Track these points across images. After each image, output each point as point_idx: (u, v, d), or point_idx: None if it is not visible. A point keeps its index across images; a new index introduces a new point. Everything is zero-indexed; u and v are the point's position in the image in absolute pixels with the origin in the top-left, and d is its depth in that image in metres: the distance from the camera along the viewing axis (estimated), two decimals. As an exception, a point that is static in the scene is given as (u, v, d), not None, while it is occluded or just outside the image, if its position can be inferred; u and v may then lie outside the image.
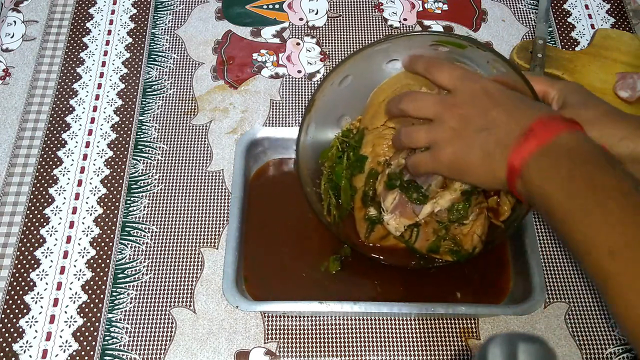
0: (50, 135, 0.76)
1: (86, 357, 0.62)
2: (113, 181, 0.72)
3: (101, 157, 0.74)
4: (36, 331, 0.63)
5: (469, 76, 0.51)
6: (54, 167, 0.73)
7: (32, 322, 0.63)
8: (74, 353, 0.62)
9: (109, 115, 0.77)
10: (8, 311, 0.64)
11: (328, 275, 0.65)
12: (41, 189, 0.72)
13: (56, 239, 0.68)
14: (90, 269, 0.67)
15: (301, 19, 0.87)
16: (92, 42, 0.84)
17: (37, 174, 0.73)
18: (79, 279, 0.66)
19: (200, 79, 0.81)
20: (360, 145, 0.63)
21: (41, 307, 0.64)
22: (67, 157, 0.74)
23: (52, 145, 0.75)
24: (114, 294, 0.65)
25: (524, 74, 0.53)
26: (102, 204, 0.71)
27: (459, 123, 0.49)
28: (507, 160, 0.46)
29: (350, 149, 0.63)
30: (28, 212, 0.70)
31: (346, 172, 0.63)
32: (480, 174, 0.48)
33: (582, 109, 0.51)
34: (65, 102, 0.78)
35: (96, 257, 0.67)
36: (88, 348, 0.62)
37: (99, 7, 0.87)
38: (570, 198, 0.42)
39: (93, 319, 0.64)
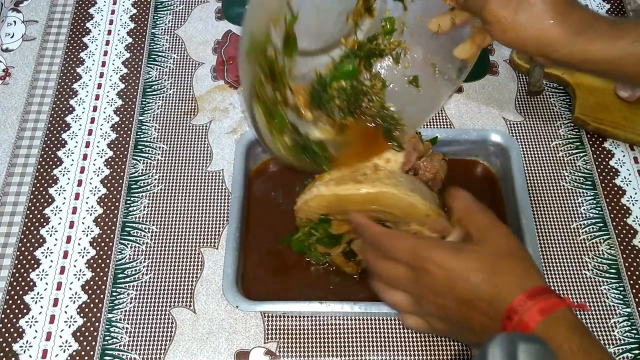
0: (50, 135, 0.76)
1: (86, 357, 0.62)
2: (113, 181, 0.72)
3: (101, 157, 0.74)
4: (36, 331, 0.63)
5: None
6: (54, 167, 0.73)
7: (32, 322, 0.63)
8: (74, 353, 0.62)
9: (109, 115, 0.77)
10: (8, 311, 0.64)
11: (328, 275, 0.65)
12: (41, 189, 0.72)
13: (56, 239, 0.68)
14: (90, 269, 0.67)
15: None
16: (92, 42, 0.84)
17: (37, 174, 0.73)
18: (79, 279, 0.66)
19: (200, 79, 0.81)
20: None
21: (41, 307, 0.64)
22: (67, 157, 0.74)
23: (52, 145, 0.75)
24: (114, 294, 0.65)
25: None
26: (102, 204, 0.71)
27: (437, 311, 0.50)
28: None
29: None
30: (28, 212, 0.70)
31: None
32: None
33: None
34: (65, 102, 0.78)
35: (96, 257, 0.67)
36: (88, 348, 0.62)
37: (99, 7, 0.87)
38: None
39: (93, 319, 0.64)
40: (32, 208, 0.70)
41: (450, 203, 0.54)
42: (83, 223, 0.69)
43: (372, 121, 0.60)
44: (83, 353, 0.62)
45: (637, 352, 0.62)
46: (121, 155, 0.74)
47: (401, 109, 0.61)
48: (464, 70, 0.58)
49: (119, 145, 0.75)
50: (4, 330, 0.63)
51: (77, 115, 0.77)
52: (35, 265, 0.67)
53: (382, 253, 0.53)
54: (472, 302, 0.47)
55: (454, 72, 0.58)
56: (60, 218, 0.70)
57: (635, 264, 0.67)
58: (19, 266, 0.67)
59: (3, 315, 0.64)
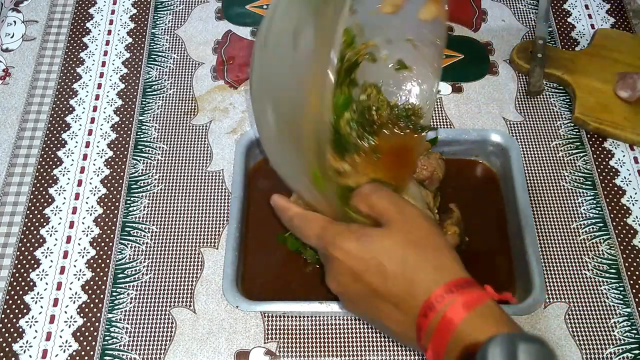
0: (50, 135, 0.76)
1: (86, 357, 0.62)
2: (113, 181, 0.72)
3: (101, 157, 0.74)
4: (36, 331, 0.63)
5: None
6: (54, 167, 0.73)
7: (32, 322, 0.63)
8: (74, 353, 0.62)
9: (109, 115, 0.77)
10: (8, 311, 0.64)
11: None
12: (41, 189, 0.72)
13: (56, 239, 0.68)
14: (90, 269, 0.67)
15: None
16: (92, 42, 0.84)
17: (37, 174, 0.73)
18: (79, 279, 0.66)
19: (200, 79, 0.81)
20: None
21: (41, 307, 0.64)
22: (67, 157, 0.74)
23: (52, 145, 0.75)
24: (114, 294, 0.65)
25: None
26: (102, 204, 0.71)
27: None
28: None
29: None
30: (28, 212, 0.70)
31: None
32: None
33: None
34: (65, 102, 0.78)
35: (96, 257, 0.67)
36: (88, 348, 0.62)
37: (99, 7, 0.87)
38: None
39: (93, 319, 0.64)
40: (32, 208, 0.70)
41: (356, 198, 0.51)
42: (83, 223, 0.69)
43: (394, 129, 0.58)
44: (83, 353, 0.62)
45: (637, 352, 0.62)
46: (121, 155, 0.74)
47: (409, 93, 0.60)
48: (440, 27, 0.56)
49: (119, 145, 0.75)
50: (4, 330, 0.63)
51: (77, 115, 0.77)
52: (35, 265, 0.67)
53: (298, 235, 0.52)
54: (382, 295, 0.45)
55: (433, 33, 0.57)
56: (60, 218, 0.70)
57: (635, 264, 0.67)
58: (19, 266, 0.67)
59: (3, 315, 0.64)
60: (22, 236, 0.69)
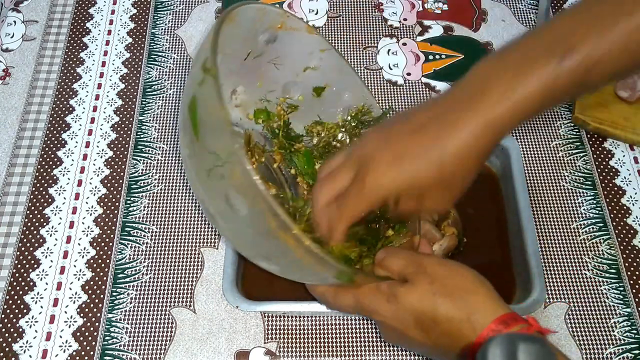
0: (50, 135, 0.76)
1: (86, 357, 0.62)
2: (113, 181, 0.72)
3: (101, 157, 0.74)
4: (36, 331, 0.63)
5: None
6: (54, 167, 0.73)
7: (32, 322, 0.63)
8: (74, 353, 0.62)
9: (109, 115, 0.77)
10: (8, 311, 0.64)
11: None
12: (41, 189, 0.72)
13: (56, 239, 0.68)
14: (90, 269, 0.67)
15: (301, 19, 0.86)
16: (92, 42, 0.84)
17: (37, 174, 0.73)
18: (79, 279, 0.66)
19: (200, 79, 0.81)
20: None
21: (41, 307, 0.64)
22: (67, 157, 0.74)
23: (52, 145, 0.75)
24: (114, 294, 0.65)
25: None
26: (102, 204, 0.71)
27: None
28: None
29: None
30: (28, 212, 0.70)
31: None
32: None
33: None
34: (65, 102, 0.78)
35: (96, 257, 0.67)
36: (88, 348, 0.62)
37: (99, 7, 0.87)
38: None
39: (93, 319, 0.64)
40: (32, 208, 0.70)
41: (375, 267, 0.51)
42: (83, 223, 0.69)
43: (360, 133, 0.61)
44: (83, 353, 0.62)
45: (637, 352, 0.62)
46: (121, 155, 0.74)
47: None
48: (318, 40, 0.60)
49: (119, 145, 0.75)
50: (4, 330, 0.63)
51: (77, 115, 0.77)
52: (35, 265, 0.67)
53: (334, 309, 0.53)
54: (431, 346, 0.46)
55: (319, 47, 0.61)
56: (60, 218, 0.70)
57: (635, 264, 0.67)
58: (19, 266, 0.67)
59: (3, 315, 0.64)
60: (22, 236, 0.69)
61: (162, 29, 0.85)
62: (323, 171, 0.50)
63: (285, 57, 0.59)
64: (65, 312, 0.64)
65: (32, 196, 0.71)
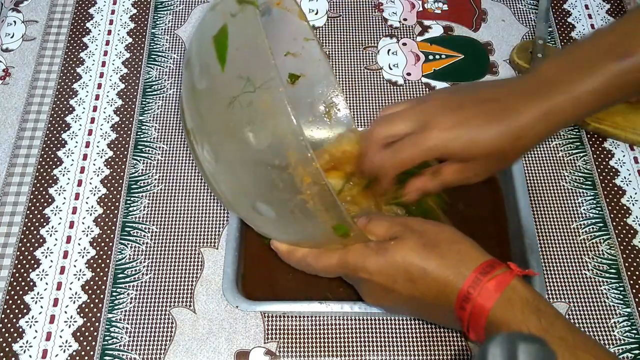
0: (50, 135, 0.76)
1: (86, 357, 0.62)
2: (113, 181, 0.72)
3: (101, 157, 0.74)
4: (36, 331, 0.63)
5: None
6: (54, 167, 0.73)
7: (32, 322, 0.63)
8: (74, 353, 0.62)
9: (109, 115, 0.77)
10: (8, 311, 0.64)
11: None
12: (41, 189, 0.72)
13: (56, 239, 0.68)
14: (90, 269, 0.67)
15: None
16: (92, 42, 0.84)
17: (37, 174, 0.73)
18: (79, 279, 0.66)
19: (200, 79, 0.81)
20: None
21: (41, 307, 0.64)
22: (67, 157, 0.74)
23: (52, 145, 0.75)
24: (114, 294, 0.65)
25: None
26: (102, 204, 0.71)
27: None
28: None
29: None
30: (28, 212, 0.70)
31: None
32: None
33: None
34: (65, 102, 0.78)
35: (96, 257, 0.67)
36: (88, 348, 0.62)
37: (99, 7, 0.87)
38: None
39: (93, 319, 0.64)
40: (32, 208, 0.70)
41: (371, 227, 0.51)
42: (83, 223, 0.70)
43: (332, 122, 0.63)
44: (83, 353, 0.62)
45: (637, 352, 0.62)
46: (121, 155, 0.74)
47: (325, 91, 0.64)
48: (300, 24, 0.61)
49: (119, 145, 0.75)
50: (4, 330, 0.63)
51: (77, 115, 0.77)
52: (35, 265, 0.67)
53: (315, 271, 0.53)
54: (418, 298, 0.47)
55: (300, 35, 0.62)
56: (60, 218, 0.70)
57: (635, 264, 0.67)
58: (19, 266, 0.67)
59: (3, 315, 0.64)
60: (22, 236, 0.69)
61: (162, 29, 0.85)
62: (383, 112, 0.54)
63: (271, 36, 0.59)
64: (65, 312, 0.64)
65: (32, 196, 0.71)
